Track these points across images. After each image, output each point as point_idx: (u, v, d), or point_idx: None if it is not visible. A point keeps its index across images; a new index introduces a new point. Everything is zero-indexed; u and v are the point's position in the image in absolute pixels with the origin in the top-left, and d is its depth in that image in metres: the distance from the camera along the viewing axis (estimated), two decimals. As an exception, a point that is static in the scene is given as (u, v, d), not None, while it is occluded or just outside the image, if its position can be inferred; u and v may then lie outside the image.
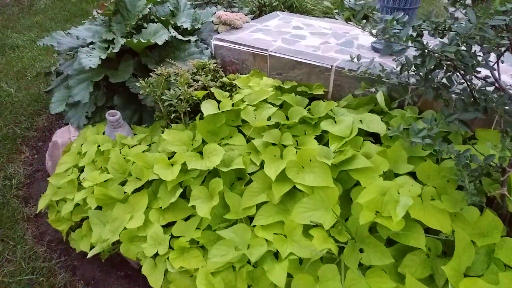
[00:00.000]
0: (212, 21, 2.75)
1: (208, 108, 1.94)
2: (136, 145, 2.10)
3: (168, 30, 2.48)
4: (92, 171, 2.00)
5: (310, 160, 1.67)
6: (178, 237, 1.67)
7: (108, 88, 2.46)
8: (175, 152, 1.91)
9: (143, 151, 2.02)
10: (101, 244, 1.68)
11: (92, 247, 1.75)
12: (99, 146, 2.11)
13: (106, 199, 1.77)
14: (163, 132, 2.18)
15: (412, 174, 1.62)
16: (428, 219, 1.43)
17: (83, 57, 2.22)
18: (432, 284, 1.42)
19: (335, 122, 1.89)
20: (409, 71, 1.56)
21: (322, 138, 1.89)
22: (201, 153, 1.87)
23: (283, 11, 3.48)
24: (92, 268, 1.92)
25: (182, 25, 2.61)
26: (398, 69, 1.63)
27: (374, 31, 1.47)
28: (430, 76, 1.51)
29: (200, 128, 1.92)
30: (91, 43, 2.41)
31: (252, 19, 2.87)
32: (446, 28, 1.37)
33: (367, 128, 1.81)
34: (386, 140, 1.79)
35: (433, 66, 1.38)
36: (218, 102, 2.02)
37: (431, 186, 1.56)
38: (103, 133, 2.27)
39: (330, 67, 2.10)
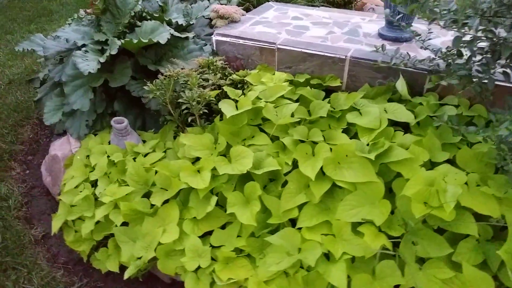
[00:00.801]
0: (204, 16, 2.62)
1: (228, 108, 1.85)
2: (149, 153, 1.97)
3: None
4: (108, 185, 1.86)
5: (347, 155, 1.64)
6: (218, 247, 1.59)
7: (105, 93, 2.29)
8: (197, 158, 1.82)
9: (160, 159, 1.90)
10: (136, 263, 1.57)
11: (121, 266, 1.63)
12: (108, 156, 1.97)
13: (133, 214, 1.66)
14: (175, 137, 2.08)
15: (447, 162, 1.62)
16: (477, 205, 1.43)
17: (80, 61, 2.05)
18: (486, 269, 1.43)
19: (360, 113, 1.85)
20: (449, 60, 1.54)
21: (348, 131, 1.85)
22: (224, 155, 1.78)
23: (274, 1, 3.39)
24: (119, 287, 1.80)
25: (176, 21, 2.47)
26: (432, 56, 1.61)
27: (442, 23, 1.42)
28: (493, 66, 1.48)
29: (222, 130, 1.83)
30: (83, 45, 2.23)
31: (247, 12, 2.77)
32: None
33: (395, 117, 1.79)
34: (415, 129, 1.78)
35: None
36: (236, 101, 1.93)
37: (471, 171, 1.56)
38: (109, 143, 2.12)
39: (344, 57, 2.06)
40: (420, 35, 1.73)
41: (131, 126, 2.26)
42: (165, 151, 1.97)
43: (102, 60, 2.06)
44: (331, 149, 1.67)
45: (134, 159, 1.95)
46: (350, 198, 1.54)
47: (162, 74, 2.11)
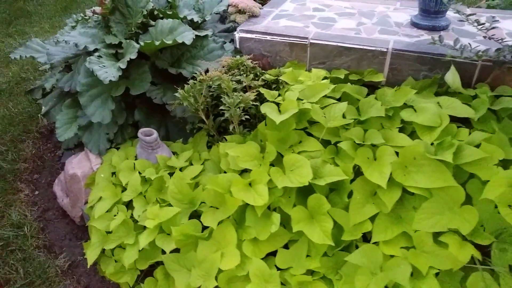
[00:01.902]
0: (219, 12, 2.43)
1: (272, 113, 1.68)
2: (185, 166, 1.79)
3: (180, 25, 2.14)
4: (144, 206, 1.67)
5: (415, 158, 1.50)
6: (286, 269, 1.43)
7: (123, 101, 2.08)
8: (242, 170, 1.65)
9: (200, 173, 1.72)
10: (195, 294, 1.40)
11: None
12: (139, 173, 1.77)
13: (185, 239, 1.48)
14: (209, 147, 1.90)
15: None
16: None
17: (97, 68, 1.83)
18: None
19: (415, 110, 1.72)
20: None
21: (403, 131, 1.72)
22: (272, 165, 1.63)
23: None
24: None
25: (191, 18, 2.27)
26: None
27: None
28: None
29: (270, 138, 1.67)
30: (95, 50, 2.00)
31: (262, 5, 2.59)
32: None
33: (454, 113, 1.67)
34: (477, 124, 1.67)
35: None
36: (276, 104, 1.77)
37: (549, 168, 1.46)
38: (135, 157, 1.91)
39: (385, 50, 1.92)
40: (483, 24, 1.61)
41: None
42: (202, 163, 1.79)
43: (123, 66, 1.84)
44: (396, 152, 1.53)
45: (170, 174, 1.76)
46: (427, 206, 1.42)
47: (191, 78, 1.93)
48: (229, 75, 1.88)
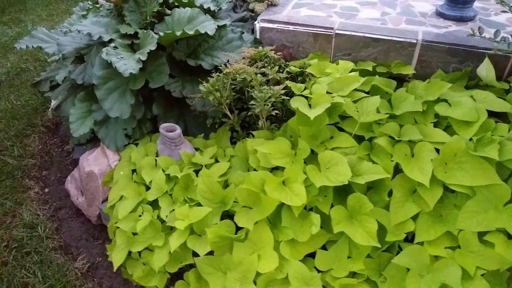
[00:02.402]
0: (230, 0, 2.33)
1: (303, 107, 1.61)
2: (211, 163, 1.71)
3: (198, 14, 2.04)
4: (170, 205, 1.59)
5: (455, 154, 1.45)
6: (326, 271, 1.38)
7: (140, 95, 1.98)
8: (273, 167, 1.58)
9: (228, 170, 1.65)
10: (232, 299, 1.34)
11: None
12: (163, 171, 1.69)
13: (219, 241, 1.41)
14: (234, 143, 1.82)
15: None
16: None
17: (115, 60, 1.73)
18: None
19: (449, 104, 1.67)
20: None
21: (438, 126, 1.66)
22: (304, 162, 1.56)
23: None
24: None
25: (208, 7, 2.16)
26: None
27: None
28: None
29: (303, 134, 1.60)
30: (110, 40, 1.89)
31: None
32: None
33: (489, 107, 1.62)
34: (515, 119, 1.62)
35: None
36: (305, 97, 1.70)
37: None
38: (156, 154, 1.83)
39: (415, 41, 1.86)
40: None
41: (172, 131, 1.98)
42: (228, 160, 1.71)
43: (143, 57, 1.74)
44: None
45: (196, 171, 1.68)
46: (470, 205, 1.37)
47: (212, 71, 1.84)
48: (254, 68, 1.80)
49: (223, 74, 1.74)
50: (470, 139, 1.52)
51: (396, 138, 1.57)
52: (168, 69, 1.92)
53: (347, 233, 1.35)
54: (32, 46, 2.15)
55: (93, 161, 1.87)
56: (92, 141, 2.11)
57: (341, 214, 1.41)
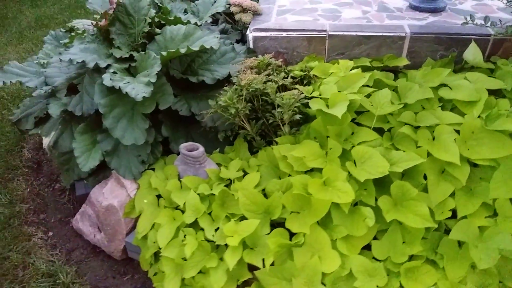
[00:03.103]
0: (219, 12, 2.32)
1: (326, 107, 1.66)
2: (239, 176, 1.70)
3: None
4: (213, 224, 1.56)
5: (473, 132, 1.59)
6: (384, 260, 1.43)
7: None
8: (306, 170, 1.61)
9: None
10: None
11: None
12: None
13: (279, 250, 1.41)
14: (253, 153, 1.83)
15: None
16: None
17: (124, 86, 1.66)
18: None
19: (450, 88, 1.81)
20: None
21: (443, 109, 1.79)
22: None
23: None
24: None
25: (195, 22, 2.14)
26: None
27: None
28: None
29: (331, 133, 1.64)
30: (108, 66, 1.81)
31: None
32: None
33: (486, 86, 1.78)
34: (510, 94, 1.80)
35: None
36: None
37: None
38: (178, 176, 1.77)
39: (404, 34, 1.99)
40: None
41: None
42: (257, 170, 1.71)
43: (153, 80, 1.69)
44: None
45: (227, 186, 1.66)
46: (498, 175, 1.50)
47: (229, 84, 1.84)
48: (262, 76, 1.82)
49: (238, 86, 1.73)
50: (479, 117, 1.67)
51: (415, 125, 1.67)
52: (171, 89, 1.88)
53: (400, 219, 1.42)
54: (10, 82, 1.99)
55: (110, 194, 1.77)
56: (94, 174, 2.00)
57: (387, 203, 1.47)
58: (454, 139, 1.57)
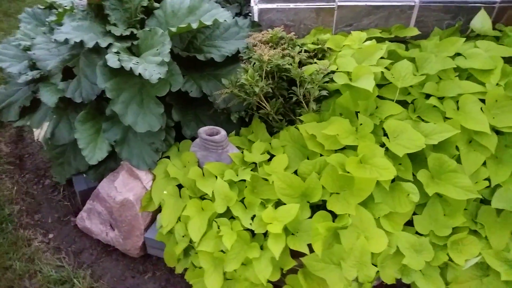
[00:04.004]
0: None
1: (346, 81, 1.60)
2: (264, 159, 1.61)
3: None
4: (247, 211, 1.47)
5: (496, 100, 1.59)
6: (427, 234, 1.42)
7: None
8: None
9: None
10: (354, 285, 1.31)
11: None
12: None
13: (327, 233, 1.35)
14: (275, 133, 1.74)
15: None
16: None
17: (135, 66, 1.50)
18: None
19: (465, 57, 1.80)
20: None
21: (460, 79, 1.79)
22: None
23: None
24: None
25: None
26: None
27: None
28: None
29: (362, 108, 1.59)
30: (109, 45, 1.62)
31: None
32: None
33: (498, 54, 1.79)
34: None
35: None
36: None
37: None
38: (197, 163, 1.65)
39: (413, 3, 1.95)
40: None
41: (193, 133, 1.80)
42: (283, 152, 1.63)
43: (167, 59, 1.53)
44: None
45: (252, 171, 1.57)
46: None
47: (241, 61, 1.71)
48: (280, 51, 1.71)
49: (258, 62, 1.62)
50: (497, 85, 1.68)
51: (437, 96, 1.65)
52: (179, 68, 1.72)
53: (441, 192, 1.40)
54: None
55: (123, 188, 1.61)
56: (95, 167, 1.82)
57: (426, 176, 1.45)
58: (481, 108, 1.58)
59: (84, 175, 1.86)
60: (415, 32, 1.96)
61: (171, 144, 1.73)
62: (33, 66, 1.84)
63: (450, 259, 1.36)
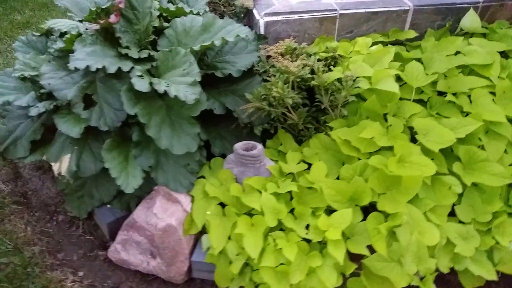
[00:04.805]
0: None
1: (368, 85, 1.67)
2: (302, 169, 1.63)
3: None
4: (298, 222, 1.48)
5: (504, 92, 1.74)
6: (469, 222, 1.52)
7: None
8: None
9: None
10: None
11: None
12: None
13: (386, 233, 1.39)
14: (301, 142, 1.77)
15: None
16: None
17: (170, 89, 1.46)
18: None
19: (464, 55, 1.94)
20: None
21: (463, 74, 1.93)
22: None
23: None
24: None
25: (198, 11, 1.97)
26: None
27: None
28: None
29: (390, 111, 1.66)
30: (131, 69, 1.57)
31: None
32: None
33: (490, 49, 1.95)
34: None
35: None
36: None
37: None
38: (235, 179, 1.64)
39: (408, 8, 2.08)
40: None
41: (220, 151, 1.79)
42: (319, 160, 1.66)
43: (199, 78, 1.52)
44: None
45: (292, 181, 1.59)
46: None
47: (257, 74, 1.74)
48: (300, 62, 1.75)
49: (284, 74, 1.65)
50: (499, 77, 1.83)
51: (449, 92, 1.77)
52: (200, 86, 1.70)
53: (479, 181, 1.50)
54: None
55: (164, 213, 1.56)
56: (118, 196, 1.75)
57: (460, 168, 1.55)
58: (493, 99, 1.71)
59: (109, 205, 1.77)
60: (413, 34, 2.09)
61: (203, 163, 1.70)
62: (40, 97, 1.74)
63: (497, 242, 1.45)
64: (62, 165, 1.64)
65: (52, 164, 1.67)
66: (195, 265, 1.58)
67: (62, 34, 1.87)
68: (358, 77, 1.69)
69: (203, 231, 1.59)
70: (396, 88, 1.61)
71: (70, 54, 1.57)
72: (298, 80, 1.72)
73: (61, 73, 1.68)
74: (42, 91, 1.72)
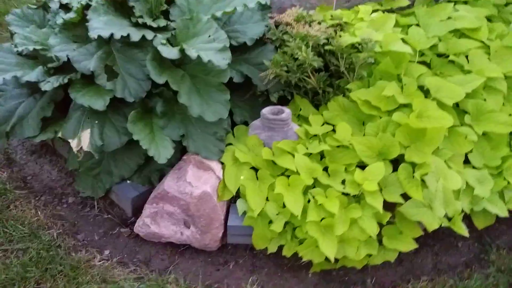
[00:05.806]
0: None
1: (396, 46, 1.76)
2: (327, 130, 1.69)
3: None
4: (334, 179, 1.54)
5: (496, 51, 1.90)
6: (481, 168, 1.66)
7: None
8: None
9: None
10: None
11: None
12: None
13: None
14: (316, 106, 1.83)
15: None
16: None
17: (202, 54, 1.45)
18: None
19: (454, 20, 2.08)
20: None
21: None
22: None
23: None
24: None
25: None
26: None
27: None
28: None
29: (407, 72, 1.76)
30: (154, 38, 1.52)
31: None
32: None
33: (482, 14, 2.11)
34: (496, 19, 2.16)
35: None
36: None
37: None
38: (263, 144, 1.66)
39: (400, -23, 2.18)
40: None
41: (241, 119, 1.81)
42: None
43: (228, 44, 1.53)
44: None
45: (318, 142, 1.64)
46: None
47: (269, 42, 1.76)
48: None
49: (305, 38, 1.68)
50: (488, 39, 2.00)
51: (447, 54, 1.90)
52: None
53: (488, 130, 1.65)
54: (4, 78, 1.50)
55: (197, 181, 1.55)
56: (138, 171, 1.71)
57: (470, 119, 1.69)
58: (488, 58, 1.87)
59: (128, 181, 1.72)
60: (406, 3, 2.20)
61: (228, 131, 1.70)
62: (48, 72, 1.63)
63: (509, 182, 1.61)
64: (83, 141, 1.57)
65: (70, 141, 1.59)
66: (232, 230, 1.59)
67: (63, 6, 1.77)
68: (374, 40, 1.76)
69: (235, 196, 1.60)
70: (408, 49, 1.71)
71: (87, 24, 1.50)
72: (315, 45, 1.76)
73: (72, 45, 1.59)
74: (49, 65, 1.62)
